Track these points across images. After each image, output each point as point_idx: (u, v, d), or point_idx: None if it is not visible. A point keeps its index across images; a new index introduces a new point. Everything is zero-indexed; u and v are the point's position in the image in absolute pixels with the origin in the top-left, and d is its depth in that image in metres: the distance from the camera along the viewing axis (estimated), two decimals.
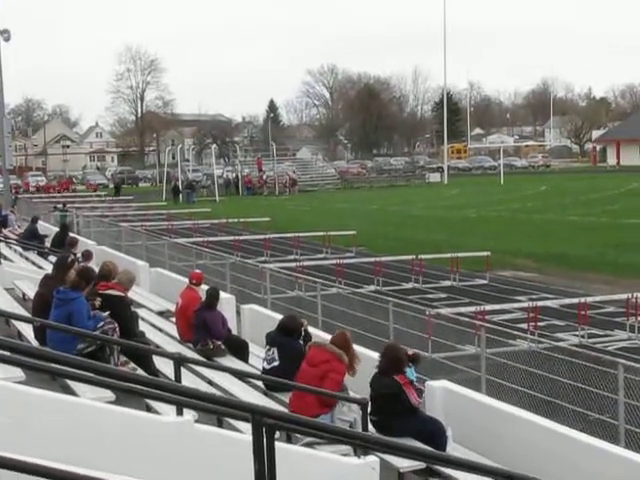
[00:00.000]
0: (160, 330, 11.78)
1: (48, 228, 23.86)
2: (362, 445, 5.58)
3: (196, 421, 5.43)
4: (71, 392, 6.66)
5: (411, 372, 7.99)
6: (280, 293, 18.13)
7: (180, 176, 63.36)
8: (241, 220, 37.01)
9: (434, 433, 7.69)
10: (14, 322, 9.98)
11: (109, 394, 6.31)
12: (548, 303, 18.37)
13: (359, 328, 13.94)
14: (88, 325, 8.50)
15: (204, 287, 11.64)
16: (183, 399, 4.75)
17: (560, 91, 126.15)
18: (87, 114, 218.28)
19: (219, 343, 10.41)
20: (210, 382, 8.82)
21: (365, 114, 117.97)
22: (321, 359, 8.04)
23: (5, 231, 22.92)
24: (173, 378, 7.22)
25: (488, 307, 17.05)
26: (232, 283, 18.62)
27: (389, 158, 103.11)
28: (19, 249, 19.71)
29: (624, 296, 17.55)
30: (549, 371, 11.45)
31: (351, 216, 41.08)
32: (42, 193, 60.76)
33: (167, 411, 6.25)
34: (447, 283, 23.04)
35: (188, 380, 7.86)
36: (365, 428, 7.20)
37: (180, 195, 59.10)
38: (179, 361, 7.36)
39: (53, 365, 4.54)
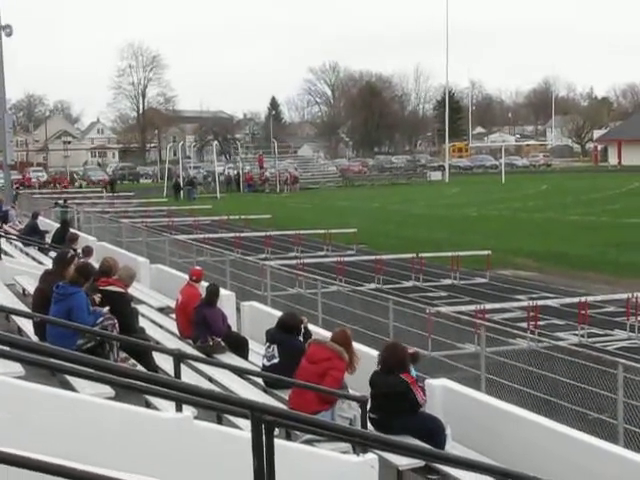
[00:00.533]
0: (160, 326, 11.78)
1: (49, 224, 23.85)
2: (361, 443, 5.58)
3: (195, 418, 5.41)
4: (70, 388, 6.65)
5: (413, 371, 7.99)
6: (280, 290, 18.15)
7: (181, 173, 63.39)
8: (242, 217, 37.03)
9: (433, 431, 7.67)
10: (14, 317, 9.97)
11: (108, 390, 6.30)
12: (548, 302, 18.40)
13: (359, 326, 13.96)
14: (88, 320, 8.48)
15: (204, 284, 11.64)
16: (182, 395, 4.74)
17: (562, 91, 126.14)
18: (89, 110, 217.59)
19: (219, 340, 10.41)
20: (210, 379, 8.81)
21: (367, 112, 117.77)
22: (321, 356, 8.03)
23: (6, 226, 22.90)
24: (173, 374, 7.21)
25: (488, 306, 17.09)
26: (232, 280, 18.62)
27: (390, 156, 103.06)
28: (19, 245, 19.71)
29: (624, 296, 17.57)
30: (549, 370, 11.46)
31: (352, 214, 41.09)
32: (44, 189, 60.70)
33: (166, 407, 6.24)
34: (447, 281, 23.05)
35: (188, 377, 7.84)
36: (364, 426, 7.20)
37: (181, 192, 59.16)
38: (179, 357, 7.35)
39: (52, 360, 4.53)
